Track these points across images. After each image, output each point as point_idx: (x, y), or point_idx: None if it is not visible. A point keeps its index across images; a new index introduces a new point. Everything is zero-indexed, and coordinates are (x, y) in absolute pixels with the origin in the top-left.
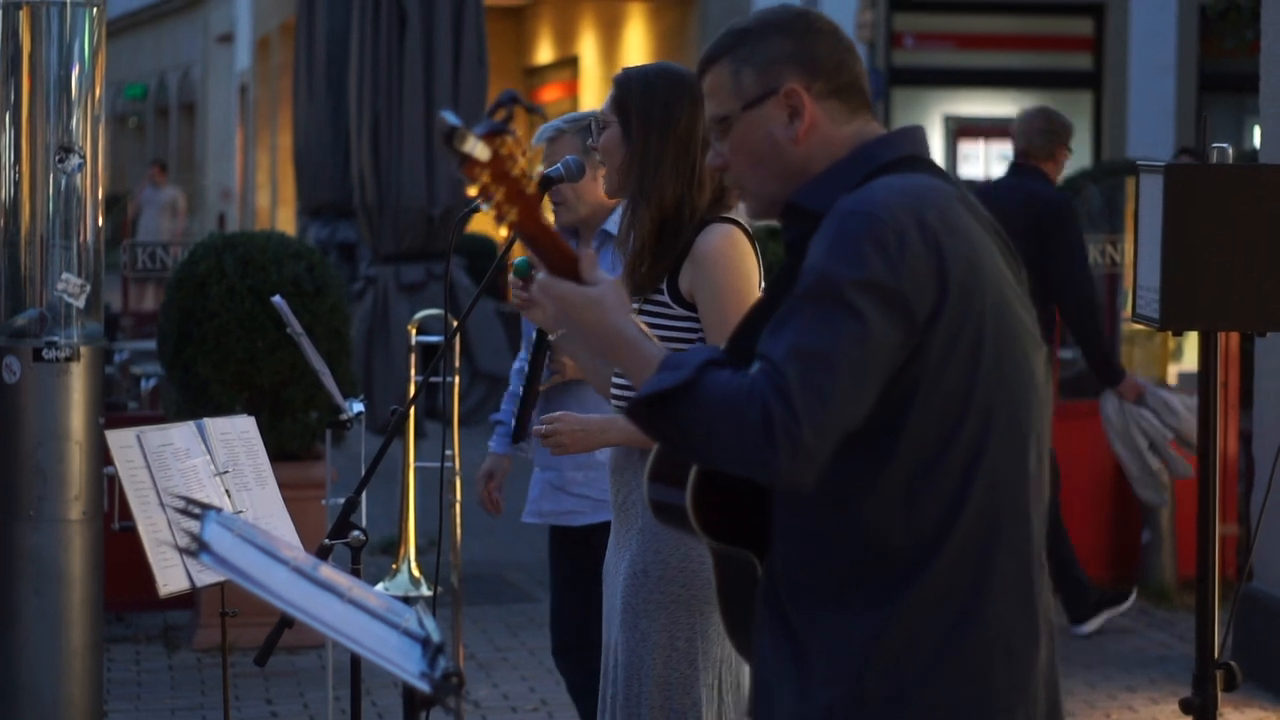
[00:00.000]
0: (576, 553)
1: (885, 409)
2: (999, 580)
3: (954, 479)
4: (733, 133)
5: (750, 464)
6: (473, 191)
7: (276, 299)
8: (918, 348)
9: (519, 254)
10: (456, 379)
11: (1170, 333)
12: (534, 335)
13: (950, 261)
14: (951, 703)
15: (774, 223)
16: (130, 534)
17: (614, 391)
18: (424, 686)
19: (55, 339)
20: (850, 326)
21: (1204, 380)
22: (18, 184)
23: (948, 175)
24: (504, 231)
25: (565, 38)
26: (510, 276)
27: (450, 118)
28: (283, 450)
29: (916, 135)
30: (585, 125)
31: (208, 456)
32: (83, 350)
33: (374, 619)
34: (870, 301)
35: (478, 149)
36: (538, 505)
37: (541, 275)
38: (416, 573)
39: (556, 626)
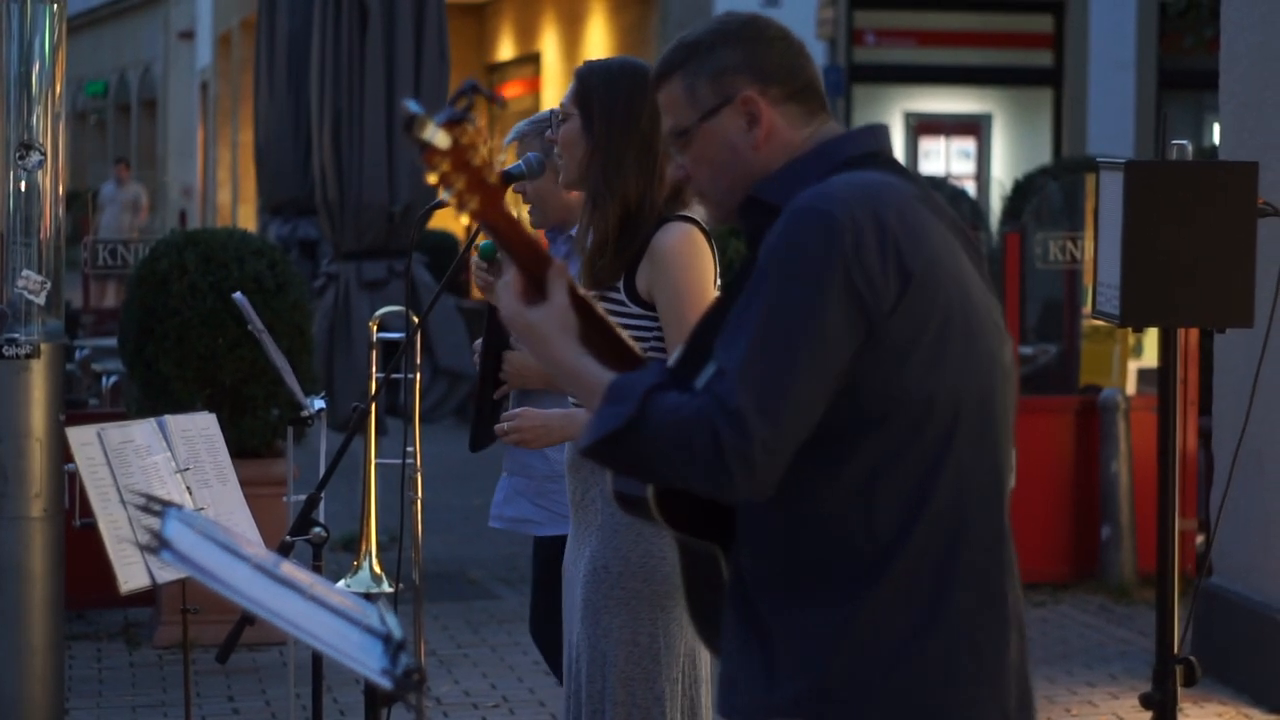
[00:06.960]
0: (549, 557)
1: (847, 405)
2: (964, 574)
3: (918, 473)
4: (693, 145)
5: (708, 488)
6: (433, 179)
7: (238, 296)
8: (876, 343)
9: (483, 241)
10: (418, 375)
11: (1130, 329)
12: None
13: (909, 258)
14: (916, 696)
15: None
16: (91, 531)
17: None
18: (385, 683)
19: (16, 336)
20: (803, 332)
21: (1164, 376)
22: None
23: (910, 174)
24: (465, 221)
25: (527, 34)
26: (474, 259)
27: (412, 105)
28: (244, 447)
29: (880, 133)
30: (547, 125)
31: (169, 453)
32: (43, 347)
33: (335, 616)
34: (824, 304)
35: (438, 137)
36: (500, 509)
37: (502, 281)
38: (378, 569)
39: (534, 617)
